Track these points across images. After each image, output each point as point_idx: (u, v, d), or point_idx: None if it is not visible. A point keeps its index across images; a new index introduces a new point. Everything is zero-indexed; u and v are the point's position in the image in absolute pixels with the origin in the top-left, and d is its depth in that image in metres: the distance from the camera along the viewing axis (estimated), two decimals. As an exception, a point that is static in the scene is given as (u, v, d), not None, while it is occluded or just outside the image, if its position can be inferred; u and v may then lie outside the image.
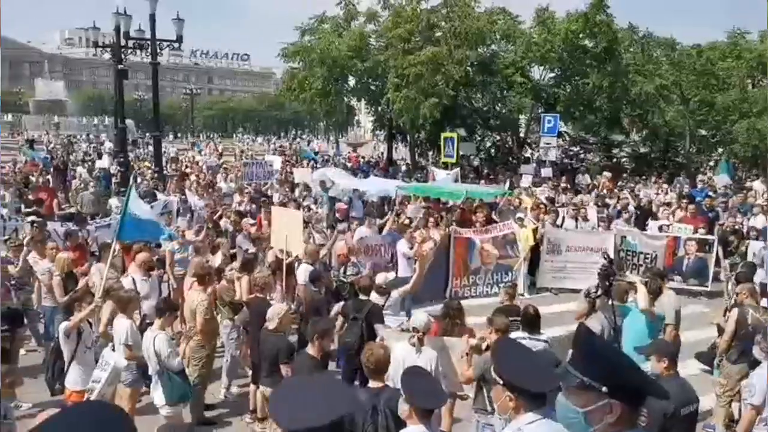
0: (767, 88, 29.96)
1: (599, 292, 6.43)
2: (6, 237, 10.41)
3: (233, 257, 10.27)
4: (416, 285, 8.77)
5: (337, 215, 13.36)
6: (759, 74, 31.83)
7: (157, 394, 6.18)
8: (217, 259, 9.56)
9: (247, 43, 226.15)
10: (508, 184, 18.03)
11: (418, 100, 23.25)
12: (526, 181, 19.85)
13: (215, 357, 7.71)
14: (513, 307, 7.23)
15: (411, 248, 10.77)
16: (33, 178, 20.15)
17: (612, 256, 10.40)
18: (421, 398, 3.64)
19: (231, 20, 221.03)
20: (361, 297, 7.49)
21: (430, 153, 30.45)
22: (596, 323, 6.35)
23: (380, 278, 8.11)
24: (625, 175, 25.52)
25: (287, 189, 17.87)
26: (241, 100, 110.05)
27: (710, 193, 18.87)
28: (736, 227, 13.28)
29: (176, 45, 20.27)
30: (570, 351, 2.33)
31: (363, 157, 34.15)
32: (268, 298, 7.69)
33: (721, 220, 14.63)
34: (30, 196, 15.74)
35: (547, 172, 21.76)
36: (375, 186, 16.81)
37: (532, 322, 6.19)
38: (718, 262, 12.25)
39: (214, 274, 7.98)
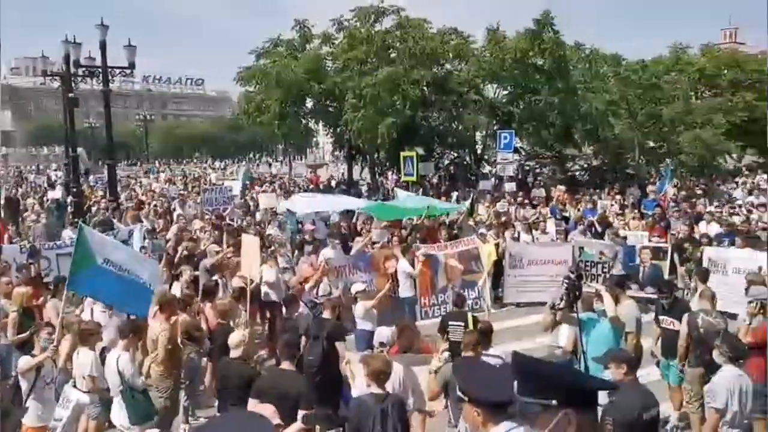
0: (709, 100, 31.27)
1: (563, 305, 6.56)
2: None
3: (195, 283, 10.13)
4: (381, 302, 8.81)
5: (305, 237, 13.31)
6: (702, 87, 33.23)
7: (121, 415, 6.06)
8: (178, 288, 9.41)
9: (201, 66, 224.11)
10: (469, 200, 18.24)
11: (376, 120, 23.43)
12: (485, 197, 20.18)
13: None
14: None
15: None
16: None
17: (573, 268, 10.60)
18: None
19: (185, 44, 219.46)
20: (324, 316, 7.48)
21: (390, 173, 30.64)
22: (569, 332, 6.50)
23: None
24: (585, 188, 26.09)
25: (243, 213, 17.76)
26: (197, 124, 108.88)
27: (662, 203, 19.46)
28: (692, 234, 13.67)
29: (128, 71, 19.99)
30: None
31: (326, 181, 34.23)
32: (232, 324, 7.61)
33: (673, 228, 15.08)
34: (-21, 231, 15.21)
35: (510, 186, 22.14)
36: (339, 203, 16.74)
37: (485, 337, 6.26)
38: (673, 270, 12.62)
39: (176, 304, 7.84)
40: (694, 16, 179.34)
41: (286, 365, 5.52)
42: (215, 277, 10.05)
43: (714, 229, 14.58)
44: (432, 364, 5.89)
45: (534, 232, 14.76)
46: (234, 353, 6.19)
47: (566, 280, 6.93)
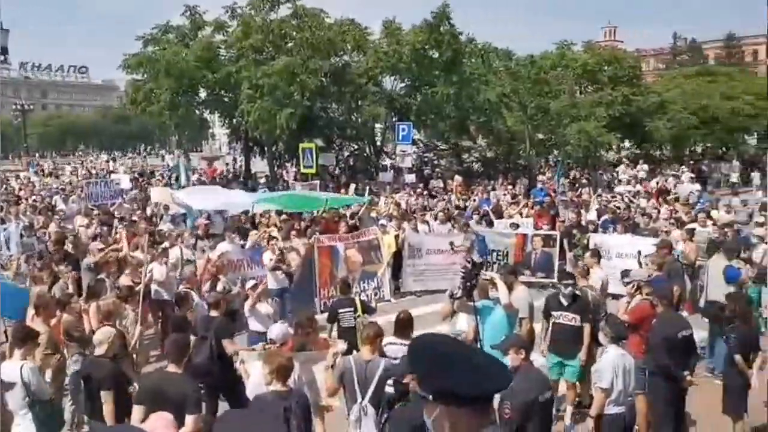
0: (591, 94, 33.17)
1: (461, 294, 6.69)
2: None
3: (79, 283, 9.54)
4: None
5: (198, 232, 12.82)
6: (585, 82, 35.19)
7: (26, 428, 5.56)
8: (58, 288, 8.80)
9: (85, 53, 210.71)
10: (367, 191, 18.34)
11: (273, 110, 23.00)
12: (385, 188, 20.39)
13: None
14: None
15: (271, 260, 10.65)
16: None
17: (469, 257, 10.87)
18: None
19: (67, 30, 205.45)
20: (210, 313, 7.23)
21: (289, 164, 30.24)
22: (470, 321, 6.64)
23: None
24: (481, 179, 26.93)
25: (136, 207, 16.95)
26: (81, 114, 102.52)
27: (551, 192, 20.43)
28: (579, 222, 14.40)
29: (2, 58, 18.41)
30: None
31: (221, 172, 33.25)
32: (118, 325, 7.19)
33: (561, 216, 15.85)
34: None
35: (410, 178, 22.43)
36: (236, 200, 16.27)
37: (404, 327, 6.29)
38: (562, 255, 13.28)
39: (54, 305, 7.30)
40: (577, 17, 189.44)
41: (172, 368, 5.26)
42: (101, 276, 9.50)
43: (594, 216, 15.47)
44: (327, 359, 5.84)
45: (433, 221, 15.03)
46: (98, 350, 5.83)
47: (463, 270, 7.12)
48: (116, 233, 12.49)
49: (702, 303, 9.17)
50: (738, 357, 6.13)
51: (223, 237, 12.31)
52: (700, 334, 6.84)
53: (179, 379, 5.21)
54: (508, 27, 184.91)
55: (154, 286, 9.55)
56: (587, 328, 7.04)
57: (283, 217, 14.55)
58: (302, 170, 22.73)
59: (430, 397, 1.96)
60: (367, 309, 8.02)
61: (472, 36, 28.83)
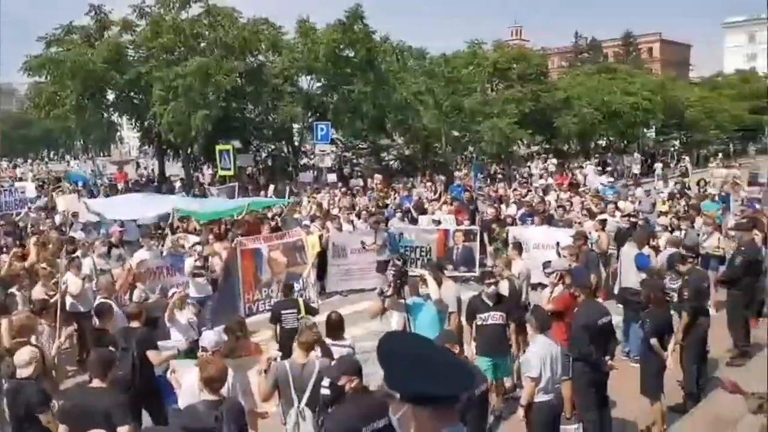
0: (502, 92, 34.29)
1: (391, 291, 6.76)
2: None
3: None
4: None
5: (110, 239, 12.25)
6: (496, 79, 36.31)
7: None
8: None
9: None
10: (288, 192, 18.17)
11: (188, 112, 22.34)
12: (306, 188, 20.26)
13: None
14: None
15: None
16: None
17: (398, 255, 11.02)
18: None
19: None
20: (132, 325, 6.96)
21: (205, 167, 29.46)
22: (399, 318, 6.71)
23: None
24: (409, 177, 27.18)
25: (44, 216, 16.02)
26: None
27: (467, 188, 20.95)
28: (498, 216, 14.84)
29: None
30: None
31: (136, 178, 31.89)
32: (32, 341, 6.79)
33: (480, 211, 16.28)
34: None
35: (331, 177, 22.37)
36: (151, 206, 15.66)
37: (336, 328, 6.28)
38: (483, 249, 13.65)
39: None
40: (486, 16, 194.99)
41: (96, 382, 5.05)
42: (12, 290, 8.94)
43: (515, 210, 16.00)
44: (261, 364, 5.76)
45: (357, 220, 15.07)
46: (23, 372, 5.51)
47: (393, 267, 7.19)
48: (22, 244, 11.76)
49: (616, 290, 9.69)
50: (654, 340, 6.52)
51: (138, 244, 11.84)
52: (615, 319, 7.20)
53: (105, 394, 5.04)
54: (421, 27, 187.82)
55: (69, 299, 9.07)
56: (513, 326, 7.18)
57: (203, 221, 14.15)
58: (220, 173, 22.19)
59: (397, 395, 1.97)
60: (311, 310, 7.96)
61: (387, 35, 29.12)
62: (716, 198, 16.38)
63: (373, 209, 16.66)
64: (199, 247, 11.34)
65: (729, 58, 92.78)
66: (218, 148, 21.86)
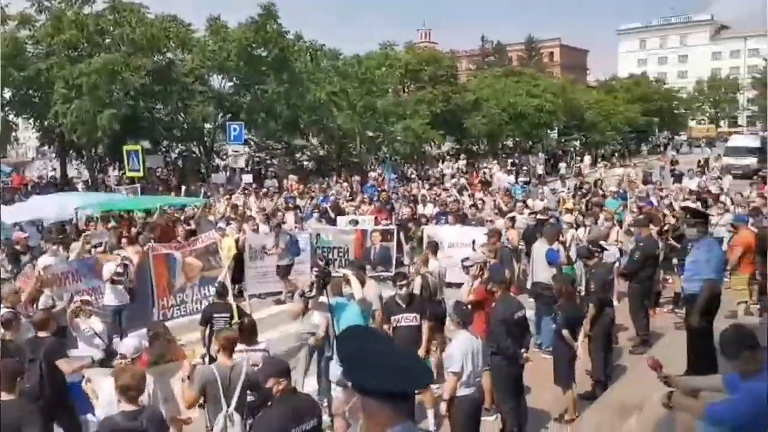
0: (414, 93, 34.96)
1: (314, 292, 6.80)
2: None
3: None
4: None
5: (16, 246, 11.55)
6: (408, 81, 36.97)
7: None
8: None
9: None
10: (202, 194, 17.75)
11: (93, 111, 21.31)
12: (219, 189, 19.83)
13: None
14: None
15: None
16: None
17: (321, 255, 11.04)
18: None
19: None
20: (39, 334, 6.63)
21: (111, 168, 28.17)
22: (321, 318, 6.74)
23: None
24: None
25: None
26: None
27: (383, 188, 21.21)
28: (414, 215, 15.13)
29: None
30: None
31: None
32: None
33: (396, 211, 16.55)
34: None
35: (247, 178, 21.96)
36: (51, 209, 14.87)
37: (250, 333, 6.22)
38: (400, 248, 13.88)
39: None
40: (395, 17, 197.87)
41: (4, 395, 4.83)
42: None
43: (430, 209, 16.37)
44: (184, 370, 5.66)
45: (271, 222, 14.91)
46: None
47: (316, 268, 7.22)
48: None
49: (528, 284, 10.14)
50: (565, 332, 6.90)
51: (40, 250, 11.23)
52: (528, 312, 7.55)
53: (14, 406, 4.86)
54: (333, 29, 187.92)
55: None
56: (426, 325, 7.21)
57: (112, 224, 13.61)
58: (128, 174, 21.28)
59: (350, 385, 2.06)
60: (243, 314, 7.83)
61: (300, 34, 28.97)
62: (616, 195, 17.45)
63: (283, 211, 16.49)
64: (124, 252, 10.85)
65: (623, 63, 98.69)
66: (126, 148, 20.93)
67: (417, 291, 7.94)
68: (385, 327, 7.42)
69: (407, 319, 7.12)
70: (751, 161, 33.36)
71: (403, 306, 7.15)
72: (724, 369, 4.39)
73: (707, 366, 6.09)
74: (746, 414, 3.71)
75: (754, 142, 38.22)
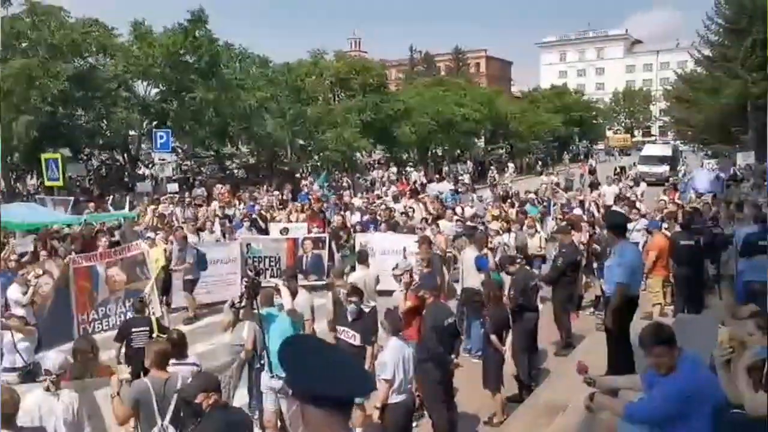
0: (345, 102, 35.06)
1: (244, 303, 6.73)
2: None
3: None
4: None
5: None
6: (338, 89, 37.02)
7: None
8: None
9: None
10: (127, 204, 17.20)
11: (9, 117, 20.26)
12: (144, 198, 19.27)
13: None
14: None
15: (25, 293, 9.47)
16: None
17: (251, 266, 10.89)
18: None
19: None
20: None
21: (28, 177, 26.78)
22: (249, 331, 6.68)
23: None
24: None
25: None
26: None
27: (314, 197, 21.15)
28: (345, 223, 15.19)
29: None
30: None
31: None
32: None
33: (328, 218, 16.56)
34: None
35: (172, 187, 21.42)
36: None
37: (180, 346, 6.10)
38: (331, 256, 13.90)
39: None
40: (325, 26, 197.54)
41: None
42: None
43: (357, 217, 16.48)
44: (112, 386, 5.50)
45: (201, 233, 14.64)
46: None
47: (246, 279, 7.14)
48: None
49: (459, 290, 10.38)
50: (494, 336, 7.12)
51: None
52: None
53: None
54: (262, 37, 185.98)
55: None
56: (369, 350, 7.03)
57: (33, 236, 12.99)
58: (46, 183, 20.32)
59: (291, 392, 2.07)
60: (163, 329, 7.62)
61: (230, 42, 28.57)
62: (535, 202, 18.07)
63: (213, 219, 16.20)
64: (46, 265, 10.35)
65: (545, 75, 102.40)
66: (44, 156, 20.01)
67: (330, 307, 7.96)
68: (332, 335, 7.43)
69: (347, 335, 7.05)
70: (664, 169, 35.30)
71: (349, 320, 7.09)
72: (642, 369, 4.63)
73: (626, 366, 6.36)
74: (663, 410, 3.88)
75: (666, 151, 40.49)
